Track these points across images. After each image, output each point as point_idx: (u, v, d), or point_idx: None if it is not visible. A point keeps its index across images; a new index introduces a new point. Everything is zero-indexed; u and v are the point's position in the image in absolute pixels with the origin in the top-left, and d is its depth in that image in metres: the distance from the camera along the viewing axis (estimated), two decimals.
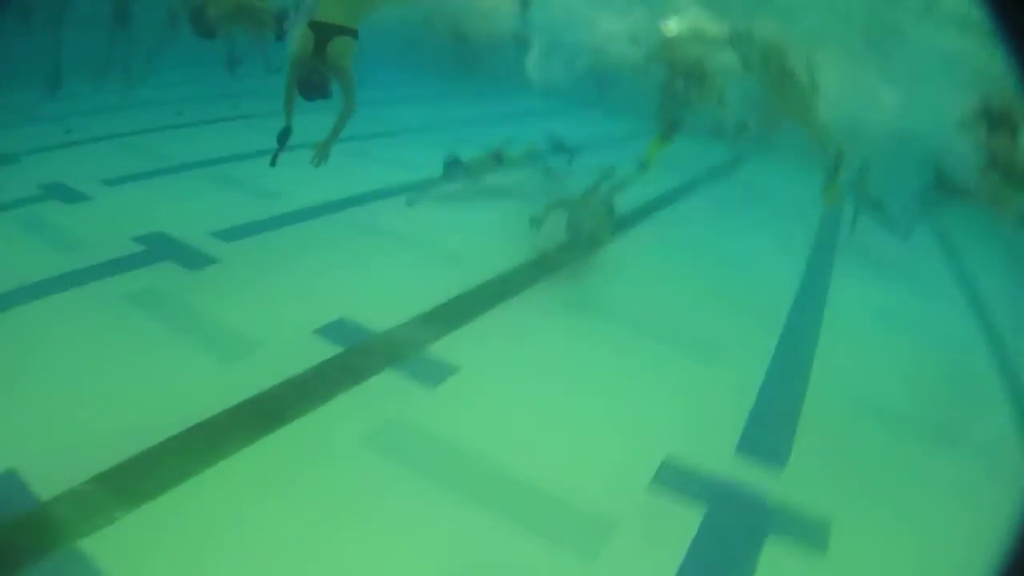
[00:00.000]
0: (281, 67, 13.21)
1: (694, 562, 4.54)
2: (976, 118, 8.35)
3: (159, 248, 7.50)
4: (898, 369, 7.74)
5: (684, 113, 12.80)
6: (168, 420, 4.96)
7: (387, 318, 6.77)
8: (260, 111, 12.69)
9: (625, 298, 8.12)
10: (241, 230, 8.22)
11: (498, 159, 10.57)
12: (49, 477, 4.36)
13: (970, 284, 11.20)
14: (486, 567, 4.28)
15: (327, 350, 6.17)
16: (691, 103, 11.90)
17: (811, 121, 10.53)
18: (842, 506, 5.26)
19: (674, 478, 5.26)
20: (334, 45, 7.00)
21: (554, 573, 4.29)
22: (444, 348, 6.47)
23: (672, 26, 11.62)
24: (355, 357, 6.17)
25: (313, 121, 7.36)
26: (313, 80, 7.04)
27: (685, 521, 4.87)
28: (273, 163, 7.49)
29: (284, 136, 7.43)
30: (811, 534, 4.97)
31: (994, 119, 8.17)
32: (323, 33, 7.02)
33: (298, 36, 7.15)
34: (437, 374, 6.07)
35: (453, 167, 9.99)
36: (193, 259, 7.40)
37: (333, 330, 6.48)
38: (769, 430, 6.15)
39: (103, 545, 3.97)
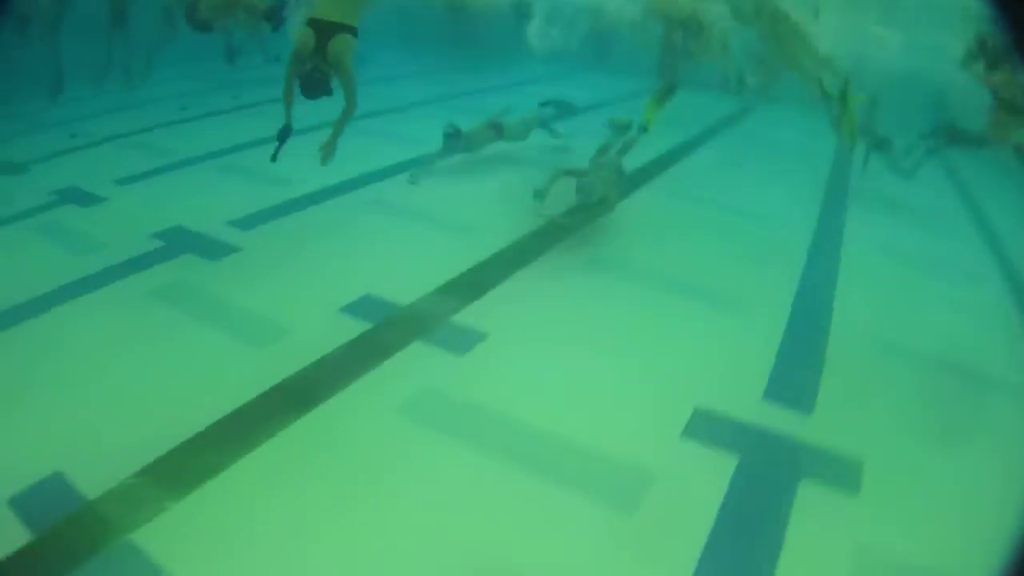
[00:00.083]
0: (279, 56, 13.28)
1: (730, 508, 4.61)
2: (974, 55, 8.34)
3: (179, 242, 7.57)
4: (918, 308, 7.78)
5: (686, 67, 12.80)
6: (206, 408, 5.04)
7: (410, 292, 6.84)
8: (261, 99, 12.74)
9: (641, 255, 8.17)
10: (256, 217, 8.28)
11: (497, 128, 10.52)
12: (94, 475, 4.43)
13: (984, 221, 11.20)
14: (531, 524, 4.37)
15: (355, 327, 6.25)
16: (692, 56, 11.90)
17: (809, 67, 10.52)
18: (872, 447, 5.32)
19: (705, 428, 5.33)
20: (335, 43, 7.06)
21: (596, 527, 4.37)
22: (469, 316, 6.54)
23: None
24: (383, 332, 6.25)
25: (315, 105, 7.38)
26: (314, 78, 7.11)
27: (719, 469, 4.95)
28: (274, 159, 7.57)
29: (284, 133, 7.54)
30: (843, 475, 5.03)
31: (992, 55, 8.15)
32: (323, 31, 7.07)
33: (298, 33, 7.19)
34: (465, 342, 6.14)
35: (453, 137, 9.97)
36: (213, 250, 7.47)
37: (359, 307, 6.56)
38: (795, 375, 6.21)
39: (155, 536, 4.05)
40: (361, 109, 7.67)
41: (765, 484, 4.91)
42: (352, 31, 7.18)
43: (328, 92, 7.28)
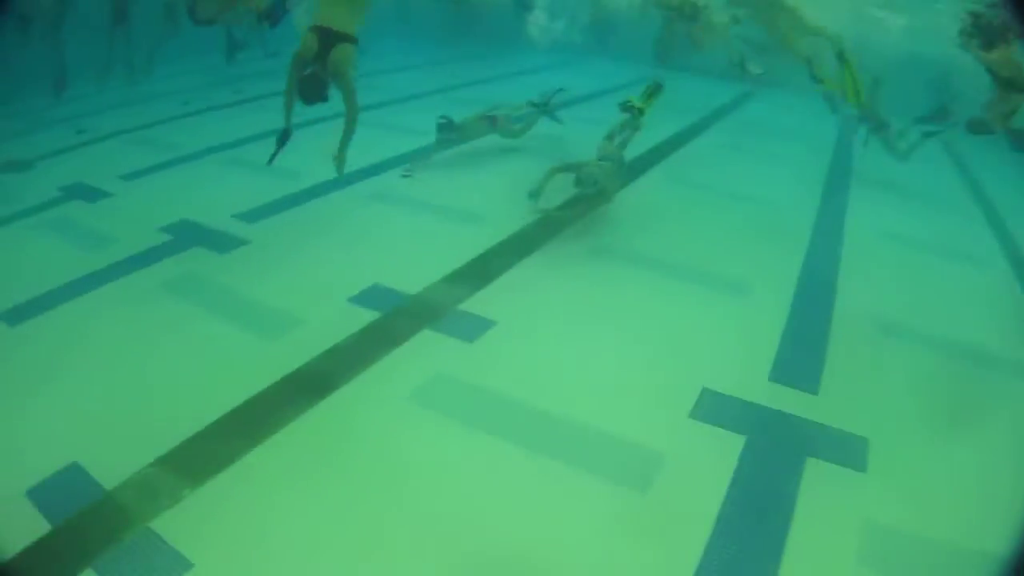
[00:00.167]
0: (277, 52, 13.33)
1: (739, 487, 4.68)
2: (969, 32, 8.37)
3: (187, 235, 7.62)
4: (921, 289, 7.84)
5: (684, 53, 12.88)
6: (221, 398, 5.10)
7: (417, 281, 6.90)
8: (263, 93, 12.76)
9: (645, 241, 8.22)
10: (263, 210, 8.33)
11: (490, 120, 10.50)
12: (111, 465, 4.49)
13: (987, 202, 11.24)
14: (545, 504, 4.44)
15: (365, 316, 6.31)
16: (693, 43, 11.98)
17: (800, 47, 10.61)
18: (877, 425, 5.40)
19: (712, 409, 5.40)
20: (336, 52, 7.17)
21: (610, 506, 4.44)
22: (476, 304, 6.60)
23: None
24: (392, 320, 6.31)
25: None
26: (312, 83, 7.22)
27: (728, 448, 5.02)
28: (270, 162, 7.69)
29: (283, 137, 7.64)
30: (850, 454, 5.11)
31: (987, 33, 8.18)
32: (327, 39, 7.16)
33: (302, 38, 7.28)
34: (474, 329, 6.20)
35: (446, 129, 9.95)
36: (221, 243, 7.53)
37: (367, 297, 6.61)
38: (800, 356, 6.27)
39: (174, 525, 4.10)
40: (364, 101, 7.74)
41: (773, 462, 4.97)
42: (353, 41, 7.27)
43: (324, 99, 7.39)
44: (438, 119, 9.91)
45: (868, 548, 4.30)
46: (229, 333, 6.01)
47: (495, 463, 4.74)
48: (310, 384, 5.38)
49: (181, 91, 13.85)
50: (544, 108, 11.15)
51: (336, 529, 4.15)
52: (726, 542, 4.25)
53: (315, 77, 7.20)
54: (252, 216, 8.17)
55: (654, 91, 9.93)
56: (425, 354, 5.85)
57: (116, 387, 5.31)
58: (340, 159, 7.66)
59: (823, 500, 4.65)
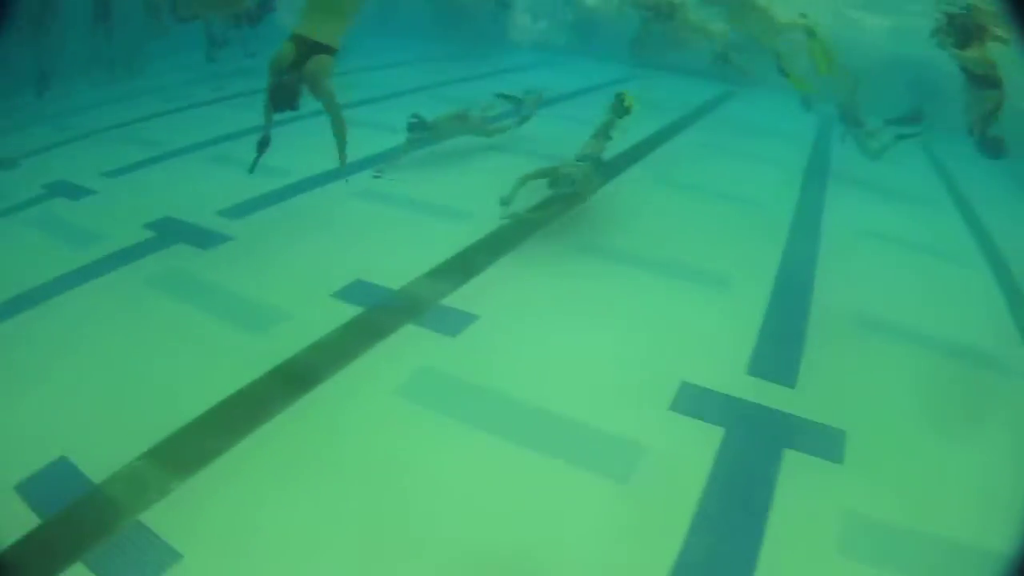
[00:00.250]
0: (256, 52, 13.34)
1: (719, 478, 4.77)
2: (944, 30, 8.50)
3: (171, 232, 7.65)
4: (898, 286, 7.97)
5: (660, 51, 12.98)
6: (207, 392, 5.15)
7: (400, 276, 6.96)
8: (244, 90, 12.73)
9: (625, 238, 8.32)
10: (246, 207, 8.36)
11: (463, 119, 10.47)
12: (99, 458, 4.52)
13: (964, 200, 11.39)
14: (529, 496, 4.52)
15: (349, 311, 6.36)
16: (674, 41, 12.08)
17: (771, 41, 10.74)
18: (854, 418, 5.51)
19: (692, 402, 5.50)
20: (312, 63, 7.18)
21: (591, 497, 4.53)
22: (459, 299, 6.67)
23: None
24: (376, 315, 6.37)
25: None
26: (283, 91, 7.24)
27: (707, 440, 5.12)
28: (251, 170, 7.72)
29: (263, 144, 7.66)
30: (827, 446, 5.21)
31: (962, 32, 8.32)
32: (304, 48, 7.19)
33: (281, 46, 7.31)
34: (456, 324, 6.28)
35: (417, 128, 9.86)
36: (205, 239, 7.56)
37: (351, 292, 6.67)
38: (778, 351, 6.38)
39: (163, 517, 4.15)
40: (348, 98, 7.78)
41: (752, 454, 5.08)
42: (331, 52, 7.30)
43: (294, 108, 7.40)
44: (409, 118, 9.83)
45: (847, 537, 4.40)
46: (214, 328, 6.06)
47: (479, 455, 4.81)
48: (296, 377, 5.44)
49: (162, 88, 13.82)
50: (517, 101, 11.17)
51: (323, 517, 4.22)
52: (706, 531, 4.34)
53: (286, 85, 7.21)
54: (235, 212, 8.20)
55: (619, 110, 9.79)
56: (409, 348, 5.92)
57: (102, 382, 5.35)
58: (343, 160, 7.71)
59: (801, 491, 4.74)
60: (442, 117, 10.23)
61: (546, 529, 4.29)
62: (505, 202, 7.87)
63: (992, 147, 8.96)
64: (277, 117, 7.55)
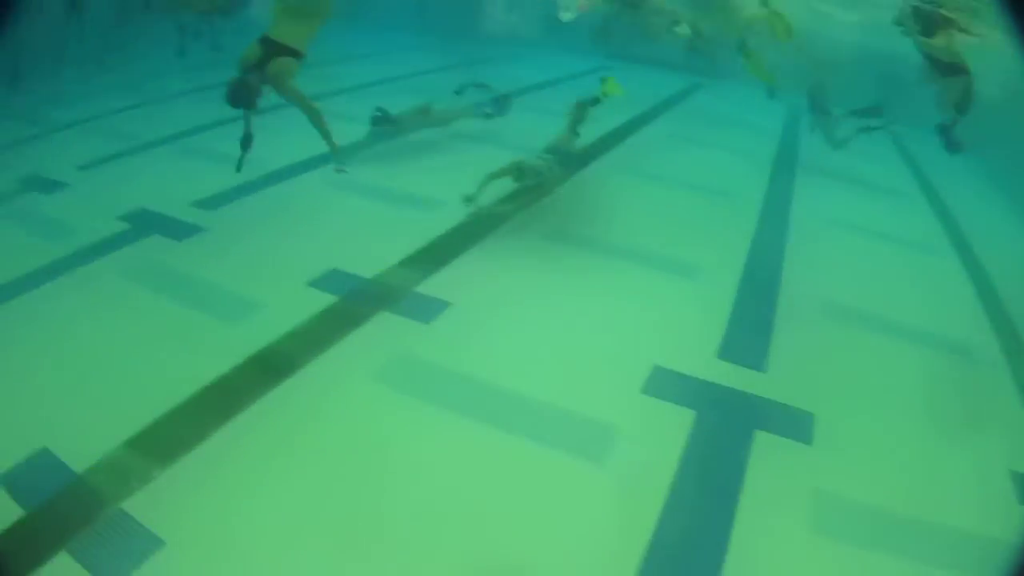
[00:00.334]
0: (223, 46, 13.30)
1: (691, 458, 4.90)
2: (908, 18, 8.65)
3: (145, 224, 7.63)
4: (865, 274, 8.17)
5: (625, 42, 13.08)
6: (185, 381, 5.16)
7: (374, 265, 7.02)
8: (216, 82, 12.65)
9: (596, 227, 8.45)
10: (219, 198, 8.35)
11: (426, 113, 10.49)
12: (81, 449, 4.53)
13: (932, 191, 11.60)
14: (504, 478, 4.61)
15: (324, 299, 6.41)
16: (644, 32, 12.19)
17: (736, 30, 10.91)
18: (822, 401, 5.67)
19: (664, 386, 5.63)
20: (273, 65, 7.28)
21: (567, 478, 4.63)
22: (432, 287, 6.75)
23: None
24: (351, 303, 6.44)
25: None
26: (239, 89, 7.34)
27: (679, 422, 5.25)
28: (239, 169, 7.82)
29: (246, 141, 7.72)
30: (796, 428, 5.37)
31: (926, 21, 8.48)
32: (268, 50, 7.29)
33: (248, 46, 7.42)
34: (430, 311, 6.36)
35: (380, 122, 9.89)
36: (179, 230, 7.57)
37: (326, 281, 6.71)
38: (748, 336, 6.53)
39: (145, 505, 4.18)
40: (320, 89, 7.82)
41: (722, 435, 5.23)
42: (296, 55, 7.39)
43: (251, 106, 7.48)
44: (373, 111, 9.86)
45: (818, 516, 4.55)
46: (191, 318, 6.09)
47: (456, 439, 4.90)
48: (273, 365, 5.48)
49: (134, 81, 13.72)
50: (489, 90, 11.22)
51: (304, 501, 4.29)
52: (679, 510, 4.45)
53: (246, 84, 7.29)
54: (210, 204, 8.20)
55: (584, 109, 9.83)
56: (385, 335, 5.99)
57: (80, 373, 5.34)
58: (332, 148, 7.94)
59: (772, 471, 4.90)
60: (406, 111, 10.24)
61: (522, 510, 4.38)
62: (469, 200, 7.90)
63: (951, 140, 9.13)
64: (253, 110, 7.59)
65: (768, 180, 10.91)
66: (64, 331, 5.86)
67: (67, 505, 4.25)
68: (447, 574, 3.94)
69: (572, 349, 6.04)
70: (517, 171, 8.14)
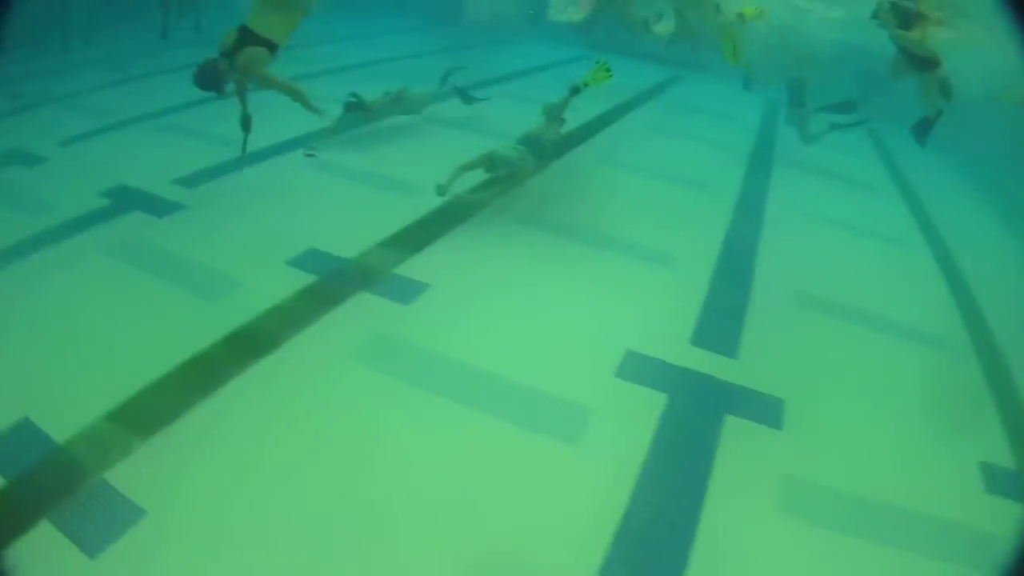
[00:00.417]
0: (204, 27, 13.27)
1: (662, 441, 5.02)
2: (885, 10, 8.75)
3: (126, 200, 7.66)
4: (837, 265, 8.31)
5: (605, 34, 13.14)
6: (165, 356, 5.23)
7: (354, 246, 7.10)
8: (197, 61, 12.62)
9: (573, 214, 8.55)
10: (201, 176, 8.39)
11: (399, 100, 10.51)
12: (62, 420, 4.58)
13: (906, 185, 11.76)
14: (480, 456, 4.71)
15: (303, 278, 6.49)
16: (627, 25, 12.25)
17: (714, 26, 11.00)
18: (792, 388, 5.80)
19: (637, 369, 5.74)
20: (243, 55, 7.30)
21: (542, 458, 4.74)
22: (411, 268, 6.84)
23: None
24: (330, 283, 6.51)
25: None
26: (205, 73, 7.35)
27: (651, 405, 5.37)
28: (243, 152, 7.97)
29: (246, 123, 7.85)
30: (767, 413, 5.50)
31: (905, 16, 8.58)
32: (243, 39, 7.32)
33: (227, 32, 7.45)
34: (409, 292, 6.44)
35: (353, 108, 9.86)
36: (160, 207, 7.59)
37: (305, 260, 6.78)
38: (721, 323, 6.64)
39: (125, 475, 4.24)
40: (303, 71, 7.84)
41: (694, 419, 5.35)
42: (269, 46, 7.39)
43: (218, 91, 7.50)
44: (347, 97, 9.83)
45: (786, 497, 4.68)
46: (170, 294, 6.13)
47: (433, 418, 5.00)
48: (253, 342, 5.56)
49: (116, 57, 13.65)
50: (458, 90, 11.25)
51: (282, 476, 4.37)
52: (651, 491, 4.57)
53: (215, 68, 7.31)
54: (190, 181, 8.24)
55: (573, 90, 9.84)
56: (363, 314, 6.07)
57: (61, 346, 5.38)
58: (311, 107, 7.90)
59: (742, 454, 5.03)
60: (379, 98, 10.25)
61: (498, 487, 4.48)
62: (442, 192, 7.92)
63: (925, 132, 9.26)
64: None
65: (744, 172, 11.03)
66: (45, 304, 5.89)
67: (49, 475, 4.30)
68: (421, 549, 4.02)
69: (548, 331, 6.15)
70: (489, 162, 8.16)
